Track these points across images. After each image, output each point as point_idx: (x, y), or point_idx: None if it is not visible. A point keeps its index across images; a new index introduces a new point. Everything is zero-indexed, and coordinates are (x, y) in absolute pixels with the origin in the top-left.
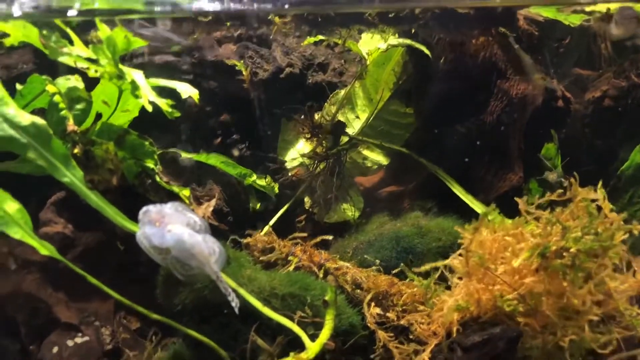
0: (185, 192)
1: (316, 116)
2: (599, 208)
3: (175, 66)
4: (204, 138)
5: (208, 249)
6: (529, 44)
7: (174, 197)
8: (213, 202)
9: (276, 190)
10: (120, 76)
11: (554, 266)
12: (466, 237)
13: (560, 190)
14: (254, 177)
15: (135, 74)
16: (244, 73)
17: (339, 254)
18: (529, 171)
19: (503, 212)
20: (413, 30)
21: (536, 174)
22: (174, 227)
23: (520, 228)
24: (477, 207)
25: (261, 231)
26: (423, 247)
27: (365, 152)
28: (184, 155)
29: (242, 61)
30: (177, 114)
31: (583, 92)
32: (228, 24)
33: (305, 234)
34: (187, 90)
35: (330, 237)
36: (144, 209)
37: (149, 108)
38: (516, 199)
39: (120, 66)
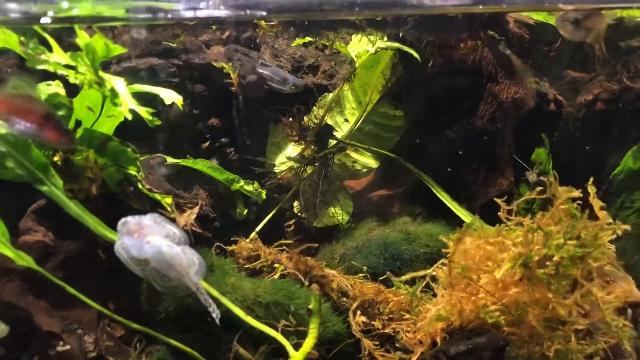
0: (168, 200)
1: (305, 119)
2: (585, 207)
3: (161, 69)
4: (191, 142)
5: (187, 260)
6: (520, 47)
7: (156, 204)
8: (196, 209)
9: (263, 196)
10: (100, 83)
11: (537, 276)
12: (450, 247)
13: (539, 188)
14: (242, 182)
15: (115, 81)
16: (232, 76)
17: (327, 260)
18: (520, 176)
19: (493, 218)
20: (401, 34)
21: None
22: (153, 238)
23: (501, 236)
24: (462, 214)
25: (247, 238)
26: (411, 253)
27: (355, 156)
28: (170, 160)
29: (230, 64)
30: (158, 122)
31: (576, 95)
32: (214, 27)
33: (291, 241)
34: (171, 97)
35: (317, 245)
36: (123, 220)
37: (129, 116)
38: (497, 200)
39: (101, 73)
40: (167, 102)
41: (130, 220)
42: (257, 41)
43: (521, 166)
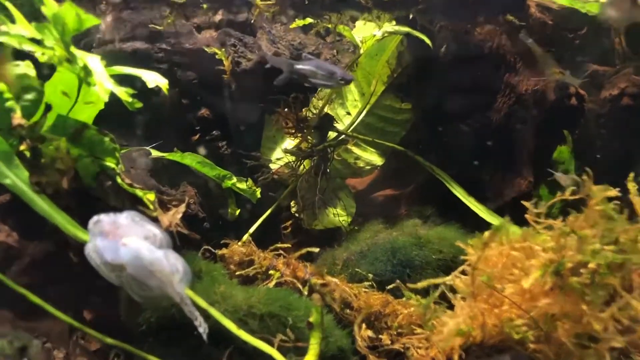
0: (150, 196)
1: (304, 110)
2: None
3: (148, 54)
4: (180, 134)
5: (170, 266)
6: (542, 35)
7: (137, 201)
8: (182, 207)
9: (258, 194)
10: (71, 60)
11: (570, 285)
12: (470, 253)
13: (572, 188)
14: (234, 179)
15: (89, 59)
16: (224, 62)
17: (328, 266)
18: (538, 176)
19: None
20: (411, 17)
21: (547, 179)
22: (130, 240)
23: (528, 241)
24: (484, 213)
25: (239, 241)
26: (422, 259)
27: (357, 151)
28: (155, 153)
29: (223, 49)
30: (139, 105)
31: (598, 90)
32: (205, 6)
33: (288, 245)
34: (155, 80)
35: (317, 250)
36: (95, 218)
37: (105, 98)
38: (524, 203)
39: (72, 49)
40: (151, 84)
41: (104, 219)
42: (254, 24)
43: (540, 165)
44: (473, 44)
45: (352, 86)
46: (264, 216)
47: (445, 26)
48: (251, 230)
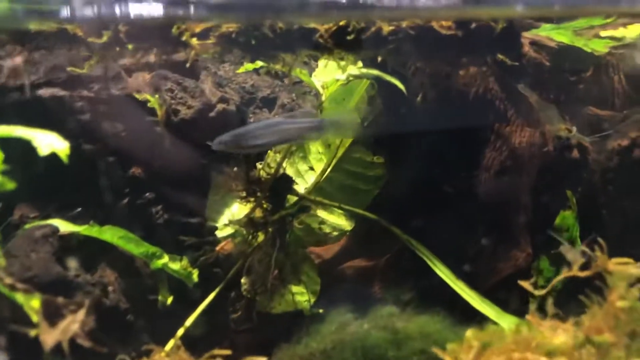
0: (34, 304)
1: (258, 166)
2: None
3: (66, 103)
4: (105, 199)
5: None
6: (538, 77)
7: (17, 310)
8: (81, 315)
9: (195, 278)
10: None
11: None
12: None
13: (581, 260)
14: (165, 258)
15: None
16: (158, 111)
17: None
18: (537, 246)
19: (505, 301)
20: (380, 58)
21: (546, 250)
22: None
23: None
24: (476, 302)
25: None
26: None
27: (323, 215)
28: (65, 228)
29: (157, 95)
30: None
31: (602, 139)
32: (130, 46)
33: (227, 351)
34: (51, 144)
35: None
36: None
37: None
38: (525, 285)
39: None
40: (44, 151)
41: None
42: (195, 66)
43: (537, 233)
44: (455, 89)
45: None
46: (202, 306)
47: (422, 69)
48: (179, 332)
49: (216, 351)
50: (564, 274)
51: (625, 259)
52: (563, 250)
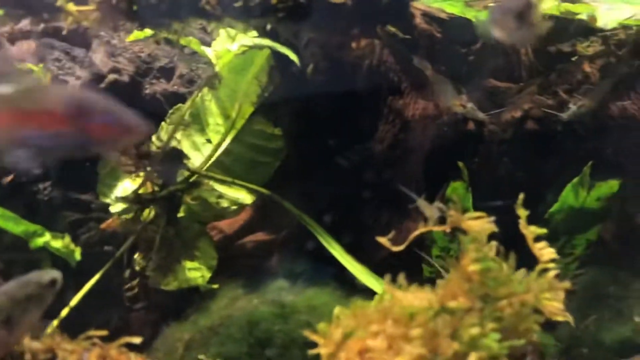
0: None
1: (153, 139)
2: None
3: None
4: None
5: None
6: (429, 49)
7: None
8: None
9: (77, 256)
10: None
11: None
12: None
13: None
14: (47, 236)
15: None
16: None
17: (166, 350)
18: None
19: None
20: (269, 27)
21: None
22: None
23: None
24: (362, 274)
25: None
26: (285, 336)
27: (221, 189)
28: None
29: (42, 65)
30: None
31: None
32: (0, 12)
33: (104, 332)
34: None
35: (139, 340)
36: None
37: None
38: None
39: None
40: None
41: None
42: (86, 34)
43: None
44: (348, 61)
45: (213, 107)
46: (88, 285)
47: (313, 40)
48: (64, 312)
49: (92, 332)
50: (420, 229)
51: (478, 213)
52: (419, 205)
